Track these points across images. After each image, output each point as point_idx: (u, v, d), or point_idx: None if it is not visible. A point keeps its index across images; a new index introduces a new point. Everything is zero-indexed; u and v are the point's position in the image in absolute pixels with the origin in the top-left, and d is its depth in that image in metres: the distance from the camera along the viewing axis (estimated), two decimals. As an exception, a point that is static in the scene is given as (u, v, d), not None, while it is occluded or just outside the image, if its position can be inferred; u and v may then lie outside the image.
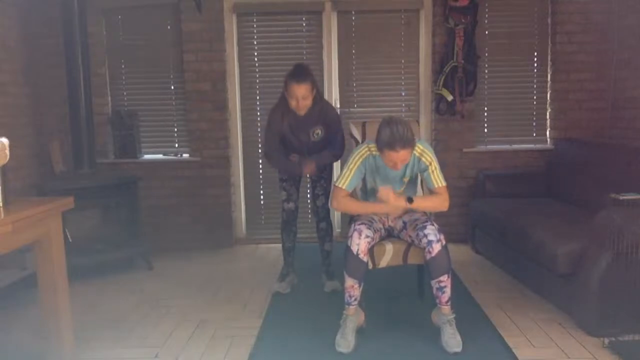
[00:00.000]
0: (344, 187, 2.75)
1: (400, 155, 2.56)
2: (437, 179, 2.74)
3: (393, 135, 2.52)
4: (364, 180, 2.87)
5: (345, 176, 2.76)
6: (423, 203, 2.80)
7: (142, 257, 4.12)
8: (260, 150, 4.70)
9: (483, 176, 4.34)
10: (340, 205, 2.81)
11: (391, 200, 2.63)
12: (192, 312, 3.21)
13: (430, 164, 2.73)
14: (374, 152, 2.74)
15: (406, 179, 2.81)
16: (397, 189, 2.77)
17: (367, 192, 2.95)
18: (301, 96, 3.07)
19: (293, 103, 3.11)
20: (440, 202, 2.75)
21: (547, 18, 4.51)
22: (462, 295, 3.31)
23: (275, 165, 3.43)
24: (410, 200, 2.69)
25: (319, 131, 3.27)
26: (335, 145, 3.33)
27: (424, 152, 2.73)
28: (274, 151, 3.35)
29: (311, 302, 3.30)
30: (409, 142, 2.54)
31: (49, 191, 3.65)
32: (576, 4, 4.41)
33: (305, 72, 3.12)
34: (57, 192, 3.52)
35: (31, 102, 4.20)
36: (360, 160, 2.75)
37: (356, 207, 2.87)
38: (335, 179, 2.94)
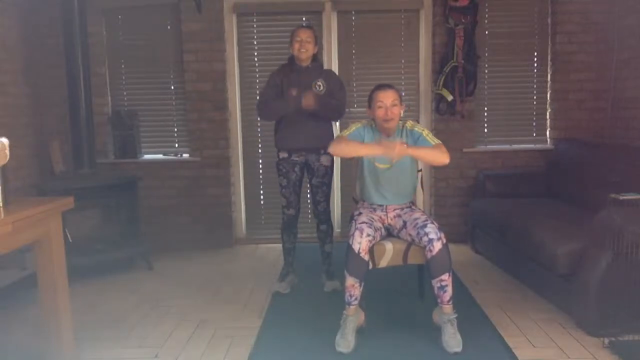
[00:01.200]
0: (344, 135, 2.91)
1: (388, 94, 2.81)
2: (433, 140, 2.84)
3: (380, 83, 2.94)
4: (362, 163, 2.96)
5: (347, 130, 2.96)
6: (424, 150, 2.78)
7: (142, 257, 4.12)
8: (260, 150, 4.70)
9: (483, 176, 4.34)
10: (340, 146, 2.83)
11: (397, 149, 2.58)
12: (192, 312, 3.21)
13: (423, 130, 2.89)
14: (370, 125, 2.96)
15: (403, 143, 2.83)
16: (392, 162, 2.79)
17: (367, 172, 2.96)
18: (304, 38, 3.27)
19: (296, 45, 3.28)
20: (441, 152, 2.73)
21: (547, 18, 4.51)
22: (462, 295, 3.31)
23: (268, 109, 3.33)
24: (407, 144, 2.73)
25: (321, 83, 3.29)
26: (339, 100, 3.34)
27: (415, 125, 2.94)
28: (268, 100, 3.32)
29: (311, 302, 3.30)
30: (394, 87, 2.89)
31: (49, 191, 3.65)
32: (576, 4, 4.41)
33: (309, 24, 3.42)
34: (57, 192, 3.52)
35: (31, 102, 4.20)
36: (358, 125, 2.96)
37: (355, 147, 2.80)
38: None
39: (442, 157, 2.72)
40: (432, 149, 2.77)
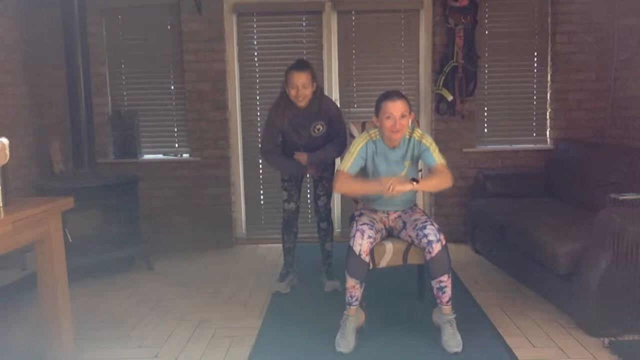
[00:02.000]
0: (345, 170, 2.79)
1: (397, 105, 2.70)
2: (438, 157, 2.79)
3: (388, 91, 2.81)
4: (366, 169, 2.89)
5: (347, 160, 2.82)
6: (428, 182, 2.79)
7: (142, 257, 4.12)
8: (260, 146, 4.68)
9: (483, 176, 4.34)
10: (343, 186, 2.81)
11: (396, 186, 2.57)
12: (192, 312, 3.21)
13: (431, 144, 2.81)
14: (373, 138, 2.83)
15: (407, 162, 2.84)
16: (399, 172, 2.80)
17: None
18: (301, 84, 3.09)
19: (293, 92, 3.12)
20: (444, 179, 2.72)
21: (547, 18, 4.51)
22: (462, 295, 3.31)
23: (273, 163, 3.40)
24: (415, 180, 2.68)
25: (320, 126, 3.26)
26: (339, 140, 3.30)
27: (424, 136, 2.84)
28: (272, 148, 3.33)
29: (311, 302, 3.30)
30: (403, 96, 2.78)
31: (49, 191, 3.65)
32: (576, 4, 4.41)
33: (305, 63, 3.22)
34: (57, 192, 3.52)
35: (31, 102, 4.19)
36: (361, 145, 2.83)
37: (358, 186, 2.83)
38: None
39: (445, 184, 2.72)
40: (437, 178, 2.74)
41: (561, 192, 4.01)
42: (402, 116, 2.71)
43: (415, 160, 2.88)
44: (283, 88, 3.21)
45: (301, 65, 3.16)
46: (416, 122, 3.48)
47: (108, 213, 4.09)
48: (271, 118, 3.28)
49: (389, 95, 2.76)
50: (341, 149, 3.32)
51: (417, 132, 2.83)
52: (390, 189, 2.56)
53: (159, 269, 4.09)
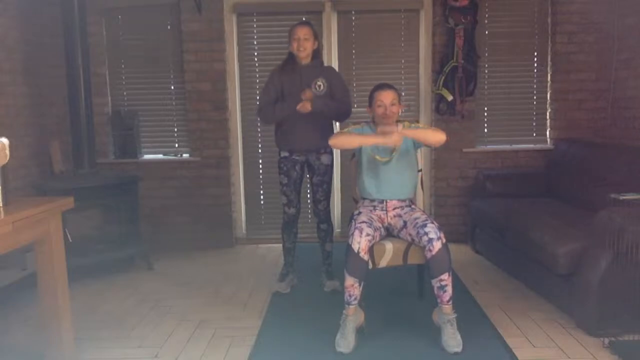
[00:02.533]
0: (344, 130, 3.03)
1: (387, 94, 2.89)
2: (431, 126, 2.95)
3: (380, 83, 3.02)
4: (360, 155, 3.02)
5: (346, 129, 3.07)
6: (420, 130, 2.92)
7: (142, 257, 4.12)
8: (260, 150, 4.70)
9: (483, 176, 4.34)
10: (340, 136, 2.98)
11: (394, 134, 2.75)
12: (192, 312, 3.21)
13: (419, 122, 3.05)
14: (370, 125, 3.03)
15: (397, 147, 2.92)
16: (391, 155, 2.93)
17: (367, 167, 2.99)
18: (302, 36, 3.23)
19: (294, 45, 3.25)
20: (436, 131, 2.89)
21: (547, 18, 4.51)
22: (462, 295, 3.31)
23: (271, 114, 3.32)
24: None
25: (321, 84, 3.26)
26: (344, 100, 3.33)
27: (414, 122, 3.09)
28: (268, 104, 3.32)
29: (311, 302, 3.30)
30: (393, 87, 2.97)
31: (49, 191, 3.65)
32: (576, 4, 4.41)
33: (308, 21, 3.42)
34: (57, 192, 3.52)
35: (31, 102, 4.19)
36: (357, 126, 3.07)
37: (354, 137, 2.93)
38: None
39: (438, 134, 2.84)
40: (427, 128, 3.05)
41: (561, 192, 4.01)
42: (392, 104, 2.89)
43: (409, 145, 2.96)
44: (288, 53, 3.34)
45: (304, 21, 3.42)
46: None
47: (108, 213, 4.09)
48: (272, 76, 3.37)
49: (380, 86, 2.97)
50: (346, 108, 3.35)
51: (406, 123, 3.01)
52: (392, 135, 2.74)
53: (159, 269, 4.09)
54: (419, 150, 3.13)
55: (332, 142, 2.94)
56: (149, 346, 2.78)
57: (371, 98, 2.98)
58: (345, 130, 3.07)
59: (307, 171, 3.45)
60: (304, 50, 3.25)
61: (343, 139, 2.94)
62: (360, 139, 2.90)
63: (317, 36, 3.34)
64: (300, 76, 3.27)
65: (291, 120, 3.28)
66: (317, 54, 3.35)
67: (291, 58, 3.32)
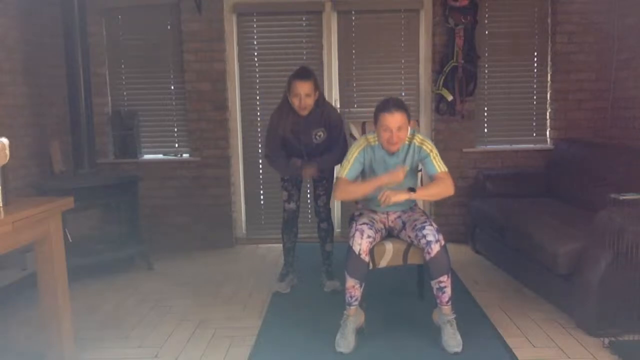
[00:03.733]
0: (344, 176, 2.78)
1: (394, 118, 2.60)
2: (439, 164, 2.74)
3: (387, 100, 2.68)
4: (364, 174, 2.88)
5: (345, 166, 2.81)
6: (428, 191, 2.79)
7: (142, 257, 4.12)
8: (260, 150, 4.70)
9: (483, 176, 4.34)
10: (343, 192, 2.78)
11: (392, 198, 2.60)
12: (192, 312, 3.21)
13: (431, 151, 2.75)
14: (372, 143, 2.79)
15: (406, 168, 2.76)
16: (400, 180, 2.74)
17: (371, 196, 2.90)
18: (304, 94, 3.10)
19: (296, 101, 3.12)
20: (445, 187, 2.70)
21: (547, 18, 4.51)
22: (462, 295, 3.31)
23: (276, 167, 3.41)
24: (412, 190, 2.67)
25: (321, 133, 3.27)
26: (338, 149, 3.31)
27: (424, 141, 2.78)
28: (275, 153, 3.34)
29: (311, 302, 3.30)
30: (402, 106, 2.66)
31: (49, 191, 3.65)
32: (576, 4, 4.41)
33: (308, 71, 3.20)
34: (57, 192, 3.51)
35: (31, 102, 4.19)
36: (358, 150, 2.80)
37: (358, 188, 2.80)
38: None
39: (447, 192, 2.70)
40: (437, 186, 2.72)
41: (561, 192, 4.01)
42: (399, 129, 2.63)
43: (414, 166, 2.85)
44: (285, 94, 3.22)
45: (304, 74, 3.15)
46: (417, 125, 3.41)
47: (108, 213, 4.09)
48: (274, 124, 3.29)
49: (386, 107, 2.64)
50: (340, 157, 3.29)
51: (418, 138, 2.77)
52: (385, 200, 2.58)
53: (159, 269, 4.09)
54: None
55: (336, 199, 2.85)
56: (149, 346, 2.78)
57: (376, 118, 2.69)
58: (345, 170, 2.78)
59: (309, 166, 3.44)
60: (305, 108, 3.14)
61: (348, 194, 2.81)
62: (366, 188, 2.74)
63: (318, 87, 3.19)
64: (300, 125, 3.23)
65: (296, 156, 3.35)
66: (317, 103, 3.20)
67: (289, 104, 3.19)
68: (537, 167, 4.50)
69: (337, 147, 3.31)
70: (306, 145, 3.30)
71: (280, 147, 3.33)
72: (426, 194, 2.78)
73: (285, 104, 3.23)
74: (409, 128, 2.73)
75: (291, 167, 3.33)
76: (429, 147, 2.76)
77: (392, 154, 2.76)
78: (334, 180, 3.10)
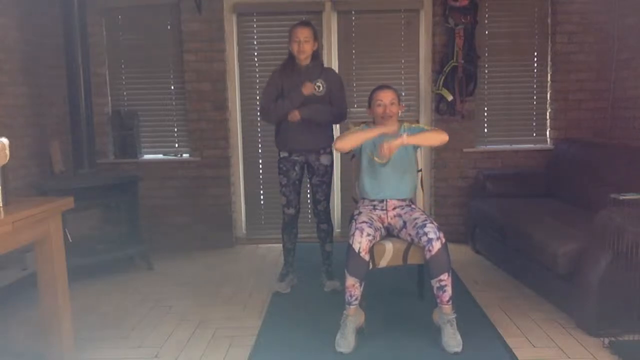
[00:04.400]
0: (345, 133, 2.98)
1: (386, 93, 2.92)
2: (430, 126, 3.01)
3: (380, 84, 3.05)
4: (360, 156, 3.01)
5: (347, 131, 3.05)
6: (422, 134, 2.88)
7: (142, 257, 4.12)
8: (260, 150, 4.70)
9: (483, 176, 4.34)
10: (343, 137, 2.92)
11: (392, 145, 2.71)
12: (192, 312, 3.21)
13: (419, 125, 3.05)
14: (370, 125, 3.03)
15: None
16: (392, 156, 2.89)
17: (372, 172, 2.97)
18: (303, 38, 3.23)
19: (295, 46, 3.24)
20: (438, 132, 2.86)
21: (547, 18, 4.51)
22: (462, 295, 3.31)
23: (273, 112, 3.32)
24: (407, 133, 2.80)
25: (320, 84, 3.28)
26: (339, 105, 3.34)
27: (414, 124, 3.07)
28: (270, 104, 3.33)
29: (311, 302, 3.30)
30: (392, 87, 3.00)
31: (49, 191, 3.65)
32: (576, 4, 4.41)
33: (308, 21, 3.40)
34: (57, 192, 3.52)
35: (31, 102, 4.19)
36: (358, 127, 3.06)
37: (357, 134, 2.90)
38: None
39: (440, 136, 2.83)
40: (429, 130, 3.00)
41: (561, 192, 4.01)
42: (392, 103, 2.91)
43: (404, 149, 2.93)
44: (289, 54, 3.33)
45: (304, 22, 3.38)
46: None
47: (108, 213, 4.09)
48: (273, 77, 3.37)
49: (379, 87, 3.00)
50: (340, 113, 3.37)
51: (406, 123, 3.02)
52: (387, 150, 2.71)
53: (159, 269, 4.09)
54: (418, 150, 3.14)
55: (337, 146, 2.91)
56: (149, 346, 2.78)
57: (370, 99, 3.00)
58: (347, 131, 3.06)
59: (307, 172, 3.45)
60: (304, 52, 3.25)
61: (348, 140, 2.89)
62: (365, 134, 2.88)
63: (317, 37, 3.34)
64: (300, 77, 3.28)
65: (291, 122, 3.28)
66: (316, 54, 3.36)
67: (291, 58, 3.33)
68: (537, 167, 4.50)
69: (338, 104, 3.35)
70: (306, 98, 3.27)
71: (274, 99, 3.32)
72: (421, 136, 2.86)
73: (287, 61, 3.35)
74: (399, 111, 2.98)
75: (286, 102, 3.25)
76: (420, 125, 3.11)
77: (386, 135, 2.88)
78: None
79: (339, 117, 3.38)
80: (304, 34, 3.24)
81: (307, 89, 3.21)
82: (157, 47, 4.59)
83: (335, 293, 3.35)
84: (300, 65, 3.30)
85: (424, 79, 4.59)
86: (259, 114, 3.54)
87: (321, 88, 3.28)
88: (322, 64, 3.46)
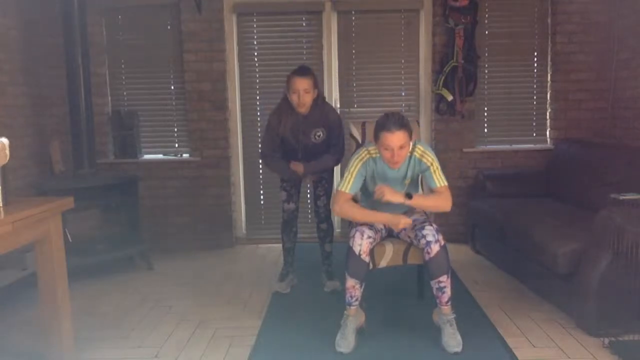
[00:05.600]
0: (346, 191, 2.71)
1: (395, 137, 2.53)
2: (439, 179, 2.71)
3: (387, 118, 2.58)
4: (365, 184, 2.84)
5: (347, 180, 2.73)
6: (424, 201, 2.76)
7: (142, 257, 4.12)
8: (260, 150, 4.69)
9: (483, 176, 4.34)
10: (343, 210, 2.72)
11: (387, 195, 2.58)
12: (192, 312, 3.21)
13: (432, 164, 2.71)
14: (373, 155, 2.73)
15: (407, 181, 2.78)
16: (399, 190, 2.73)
17: (368, 196, 2.89)
18: (303, 90, 3.09)
19: (294, 98, 3.12)
20: (442, 201, 2.70)
21: (547, 18, 4.50)
22: (462, 295, 3.31)
23: (273, 167, 3.40)
24: (409, 196, 2.64)
25: (320, 133, 3.25)
26: (336, 149, 3.31)
27: (425, 153, 2.72)
28: (272, 153, 3.34)
29: (311, 302, 3.30)
30: (404, 124, 2.55)
31: (49, 191, 3.65)
32: (576, 4, 4.41)
33: (307, 69, 3.22)
34: (57, 192, 3.51)
35: (31, 102, 4.19)
36: (361, 163, 2.73)
37: (357, 214, 2.74)
38: (335, 183, 2.95)
39: (443, 206, 2.70)
40: (434, 199, 2.73)
41: (561, 192, 4.01)
42: (401, 148, 2.57)
43: (415, 178, 2.84)
44: (284, 94, 3.22)
45: (303, 71, 3.17)
46: (417, 126, 3.37)
47: (108, 213, 4.09)
48: (272, 123, 3.28)
49: (387, 125, 2.55)
50: (338, 158, 3.34)
51: (419, 150, 2.72)
52: (380, 194, 2.58)
53: (159, 269, 4.09)
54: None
55: (336, 211, 2.77)
56: (149, 346, 2.78)
57: (377, 136, 2.61)
58: (346, 184, 2.71)
59: None
60: (304, 105, 3.13)
61: (347, 215, 2.74)
62: (368, 217, 2.72)
63: (317, 85, 3.20)
64: (299, 125, 3.23)
65: (293, 156, 3.33)
66: (316, 102, 3.20)
67: (289, 104, 3.20)
68: (537, 167, 4.49)
69: (336, 148, 3.31)
70: (305, 145, 3.29)
71: (277, 147, 3.33)
72: (422, 203, 2.73)
73: (284, 104, 3.23)
74: (410, 146, 2.66)
75: (288, 169, 3.30)
76: (430, 159, 2.71)
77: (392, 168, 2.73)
78: (334, 191, 3.11)
79: (337, 161, 3.36)
80: (303, 84, 3.09)
81: (298, 169, 3.25)
82: (157, 47, 4.59)
83: (335, 293, 3.35)
84: (300, 113, 3.19)
85: (424, 79, 4.59)
86: (260, 158, 3.65)
87: (321, 136, 3.25)
88: (321, 110, 3.25)
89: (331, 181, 3.46)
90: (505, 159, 4.58)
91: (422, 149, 2.73)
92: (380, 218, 2.72)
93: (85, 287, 3.68)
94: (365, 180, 2.79)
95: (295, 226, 3.53)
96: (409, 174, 2.76)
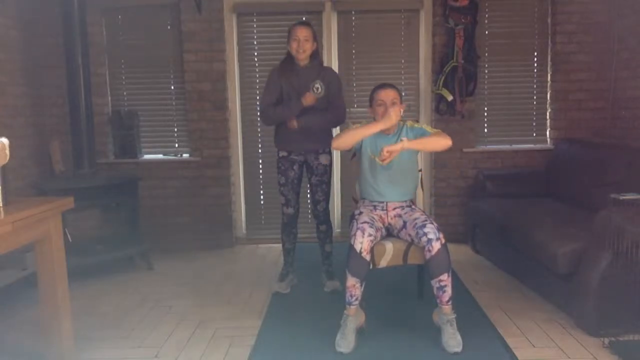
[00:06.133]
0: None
1: (388, 93, 2.87)
2: (432, 129, 2.92)
3: (381, 83, 2.99)
4: (360, 154, 2.98)
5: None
6: (423, 140, 2.83)
7: (142, 257, 4.12)
8: (260, 150, 4.70)
9: (483, 176, 4.34)
10: (340, 136, 2.88)
11: (387, 147, 2.67)
12: (192, 312, 3.21)
13: (422, 126, 2.96)
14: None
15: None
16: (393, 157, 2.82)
17: (367, 168, 2.96)
18: (302, 37, 3.21)
19: (294, 45, 3.22)
20: (441, 138, 2.79)
21: (547, 18, 4.51)
22: (463, 295, 3.31)
23: (272, 116, 3.32)
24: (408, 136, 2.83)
25: (319, 86, 3.20)
26: (336, 110, 3.31)
27: (416, 123, 3.00)
28: (270, 105, 3.32)
29: (311, 302, 3.30)
30: (394, 86, 2.94)
31: (49, 191, 3.65)
32: (576, 4, 4.41)
33: (307, 21, 3.40)
34: (57, 192, 3.52)
35: (31, 102, 4.20)
36: (358, 125, 2.94)
37: (351, 131, 2.84)
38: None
39: (443, 141, 2.77)
40: (432, 135, 2.85)
41: (561, 192, 4.01)
42: (393, 103, 2.85)
43: (406, 151, 2.88)
44: (287, 52, 3.32)
45: (303, 21, 3.39)
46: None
47: (108, 213, 4.09)
48: (272, 77, 3.36)
49: (380, 85, 2.95)
50: (338, 119, 3.35)
51: (409, 122, 2.99)
52: (386, 154, 2.66)
53: (159, 269, 4.09)
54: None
55: (335, 145, 2.89)
56: (149, 346, 2.78)
57: (371, 98, 2.96)
58: (345, 129, 2.99)
59: (306, 171, 3.44)
60: (304, 52, 3.23)
61: (345, 138, 2.85)
62: (362, 131, 2.82)
63: (316, 37, 3.31)
64: (299, 77, 3.27)
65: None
66: (315, 54, 3.33)
67: (290, 58, 3.31)
68: (537, 167, 4.50)
69: (336, 109, 3.31)
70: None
71: (274, 100, 3.32)
72: (422, 141, 2.82)
73: (285, 60, 3.33)
74: (401, 110, 2.87)
75: (286, 107, 3.26)
76: (420, 125, 2.98)
77: (387, 134, 2.90)
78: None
79: (336, 121, 3.37)
80: (303, 32, 3.22)
81: (308, 100, 3.19)
82: (157, 47, 4.59)
83: (335, 293, 3.36)
84: (299, 65, 3.29)
85: (424, 79, 4.59)
86: (259, 115, 3.52)
87: (320, 90, 3.21)
88: (322, 63, 3.44)
89: (329, 185, 3.45)
90: (505, 159, 4.58)
91: (411, 121, 3.00)
92: (374, 127, 2.80)
93: (85, 287, 3.68)
94: (360, 148, 2.96)
95: (295, 228, 3.53)
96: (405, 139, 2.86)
